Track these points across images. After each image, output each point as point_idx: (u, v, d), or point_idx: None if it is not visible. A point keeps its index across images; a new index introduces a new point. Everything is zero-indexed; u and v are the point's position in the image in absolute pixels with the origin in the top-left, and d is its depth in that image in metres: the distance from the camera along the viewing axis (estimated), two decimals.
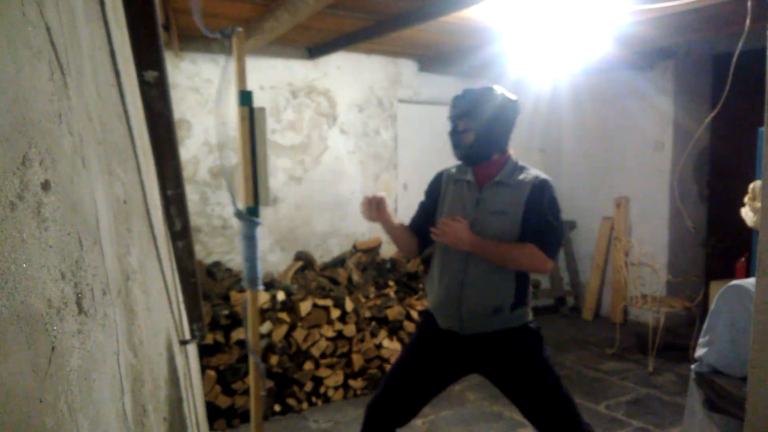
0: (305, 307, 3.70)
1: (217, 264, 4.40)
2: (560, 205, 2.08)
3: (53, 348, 0.46)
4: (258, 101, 4.53)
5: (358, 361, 3.85)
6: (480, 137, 2.07)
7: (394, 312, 4.03)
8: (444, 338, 2.15)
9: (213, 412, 3.38)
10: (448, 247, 2.13)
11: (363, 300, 4.00)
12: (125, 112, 1.12)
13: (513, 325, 2.08)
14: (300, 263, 4.53)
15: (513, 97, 2.14)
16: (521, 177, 2.09)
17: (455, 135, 2.12)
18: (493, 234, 2.04)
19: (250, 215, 1.57)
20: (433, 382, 2.18)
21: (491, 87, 2.12)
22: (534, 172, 2.12)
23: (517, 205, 2.04)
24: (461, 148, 2.12)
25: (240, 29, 1.48)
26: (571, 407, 2.04)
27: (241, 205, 1.57)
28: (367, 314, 3.93)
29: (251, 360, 1.63)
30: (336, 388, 3.80)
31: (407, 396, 2.15)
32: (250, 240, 1.59)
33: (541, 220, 2.02)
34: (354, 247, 5.01)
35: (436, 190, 2.29)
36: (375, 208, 2.17)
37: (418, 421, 3.48)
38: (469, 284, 2.07)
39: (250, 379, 1.66)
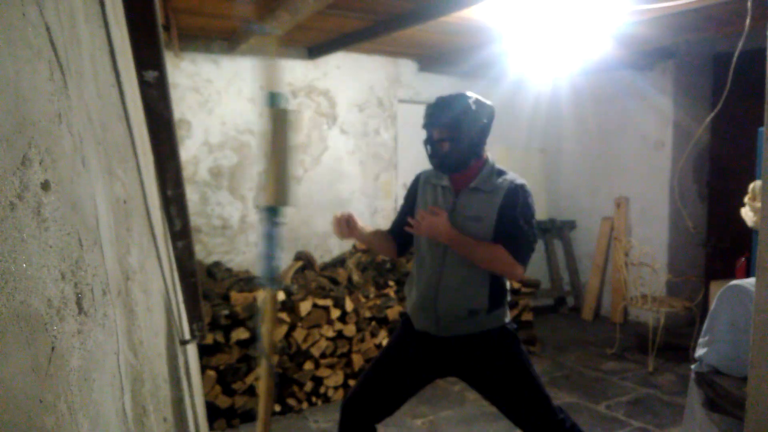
0: (305, 307, 3.70)
1: (217, 264, 4.40)
2: (534, 210, 2.07)
3: (53, 348, 0.46)
4: (258, 101, 4.53)
5: (358, 361, 3.85)
6: (455, 146, 2.05)
7: (394, 312, 4.03)
8: (420, 340, 2.17)
9: (213, 412, 3.38)
10: (424, 250, 2.16)
11: (363, 300, 4.00)
12: (125, 112, 1.12)
13: (490, 327, 2.09)
14: (300, 263, 4.53)
15: (488, 102, 2.12)
16: (497, 182, 2.08)
17: (431, 144, 2.11)
18: None
19: (273, 215, 1.58)
20: (408, 382, 2.20)
21: (464, 94, 2.10)
22: (510, 176, 2.11)
23: (492, 211, 2.04)
24: (437, 158, 2.10)
25: (277, 32, 1.48)
26: (545, 403, 2.07)
27: (266, 205, 1.58)
28: (367, 314, 3.93)
29: (264, 361, 1.63)
30: (336, 388, 3.80)
31: (381, 395, 2.18)
32: (271, 239, 1.61)
33: (513, 225, 2.02)
34: (354, 247, 5.01)
35: (413, 193, 2.30)
36: (346, 225, 2.20)
37: (417, 421, 3.48)
38: (444, 287, 2.08)
39: (261, 379, 1.67)
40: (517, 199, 2.04)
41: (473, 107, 2.06)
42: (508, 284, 2.17)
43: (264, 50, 1.50)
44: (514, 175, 2.12)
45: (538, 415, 2.07)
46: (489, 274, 2.07)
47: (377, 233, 2.32)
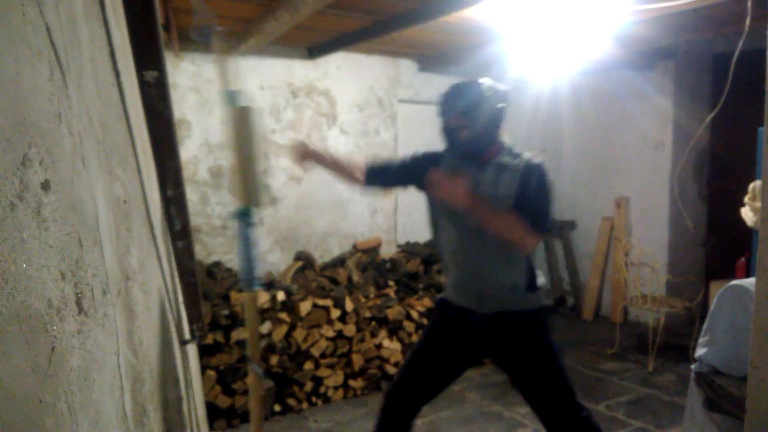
0: (305, 307, 3.70)
1: (217, 264, 4.40)
2: (551, 186, 2.08)
3: (53, 348, 0.46)
4: (258, 101, 4.53)
5: (358, 361, 3.85)
6: (471, 133, 2.06)
7: (394, 312, 4.03)
8: (458, 319, 2.18)
9: (213, 412, 3.38)
10: (456, 229, 2.13)
11: (363, 300, 4.00)
12: (125, 112, 1.12)
13: (528, 307, 2.11)
14: (300, 263, 4.53)
15: (502, 87, 2.11)
16: (514, 163, 2.09)
17: (448, 132, 2.11)
18: None
19: (243, 216, 1.57)
20: (447, 365, 2.22)
21: (478, 80, 2.10)
22: (527, 156, 2.12)
23: (510, 190, 2.05)
24: (456, 145, 2.11)
25: (220, 28, 1.47)
26: (571, 394, 2.08)
27: (237, 206, 1.57)
28: (367, 314, 3.93)
29: (250, 367, 1.63)
30: (336, 388, 3.80)
31: (422, 381, 2.21)
32: (245, 240, 1.60)
33: (527, 198, 2.03)
34: (354, 247, 5.01)
35: (434, 159, 2.24)
36: (303, 149, 2.23)
37: (417, 421, 3.47)
38: (485, 261, 2.09)
39: (250, 381, 1.66)
40: (532, 177, 2.05)
41: (488, 93, 2.07)
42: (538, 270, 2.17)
43: (219, 50, 1.49)
44: (531, 155, 2.13)
45: (560, 406, 2.07)
46: (525, 254, 2.08)
47: (341, 159, 2.32)
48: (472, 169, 2.12)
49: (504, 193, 2.06)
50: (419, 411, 2.23)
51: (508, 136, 2.20)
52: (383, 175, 2.32)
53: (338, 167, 2.32)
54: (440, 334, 2.23)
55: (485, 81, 2.10)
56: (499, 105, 2.09)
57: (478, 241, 2.09)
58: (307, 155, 2.24)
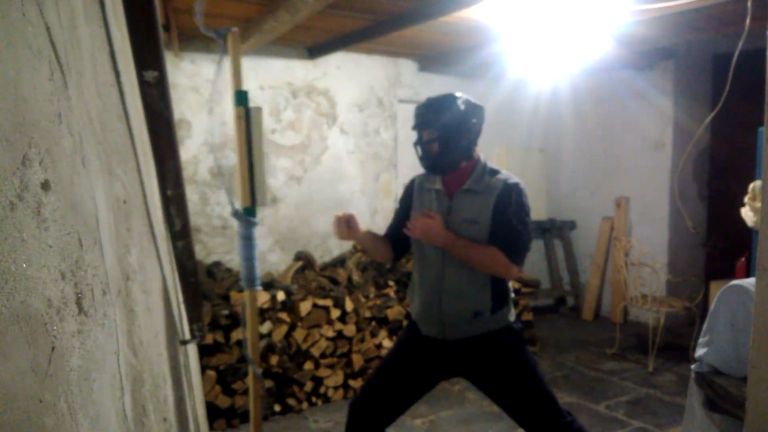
0: (305, 307, 3.70)
1: (217, 264, 4.40)
2: (528, 208, 2.06)
3: (53, 348, 0.46)
4: (258, 101, 4.53)
5: (358, 361, 3.85)
6: (445, 147, 2.05)
7: (394, 312, 4.03)
8: (427, 344, 2.16)
9: (213, 412, 3.38)
10: (424, 255, 2.14)
11: (363, 300, 4.00)
12: (125, 112, 1.12)
13: (495, 327, 2.09)
14: (300, 263, 4.53)
15: (478, 103, 2.11)
16: (490, 182, 2.07)
17: (421, 146, 2.10)
18: None
19: (247, 215, 1.58)
20: (416, 385, 2.20)
21: (453, 94, 2.09)
22: (503, 175, 2.09)
23: (486, 212, 2.03)
24: (427, 159, 2.10)
25: (235, 29, 1.48)
26: (552, 403, 2.07)
27: (239, 205, 1.57)
28: (367, 314, 3.93)
29: (250, 367, 1.63)
30: (336, 388, 3.80)
31: (389, 397, 2.16)
32: (247, 240, 1.60)
33: (507, 225, 2.01)
34: (354, 247, 5.01)
35: (408, 197, 2.28)
36: (346, 226, 2.14)
37: (417, 421, 3.48)
38: (446, 290, 2.08)
39: (249, 381, 1.66)
40: (510, 198, 2.02)
41: (462, 108, 2.06)
42: (510, 284, 2.16)
43: (228, 50, 1.49)
44: (507, 174, 2.11)
45: (544, 417, 2.06)
46: (489, 275, 2.06)
47: (375, 237, 2.29)
48: (445, 199, 2.11)
49: (480, 216, 2.04)
50: (387, 426, 2.18)
51: (483, 154, 2.17)
52: (398, 239, 2.27)
53: (370, 247, 2.28)
54: (409, 354, 2.20)
55: (460, 96, 2.09)
56: (474, 120, 2.08)
57: (442, 269, 2.09)
58: (348, 233, 2.17)
